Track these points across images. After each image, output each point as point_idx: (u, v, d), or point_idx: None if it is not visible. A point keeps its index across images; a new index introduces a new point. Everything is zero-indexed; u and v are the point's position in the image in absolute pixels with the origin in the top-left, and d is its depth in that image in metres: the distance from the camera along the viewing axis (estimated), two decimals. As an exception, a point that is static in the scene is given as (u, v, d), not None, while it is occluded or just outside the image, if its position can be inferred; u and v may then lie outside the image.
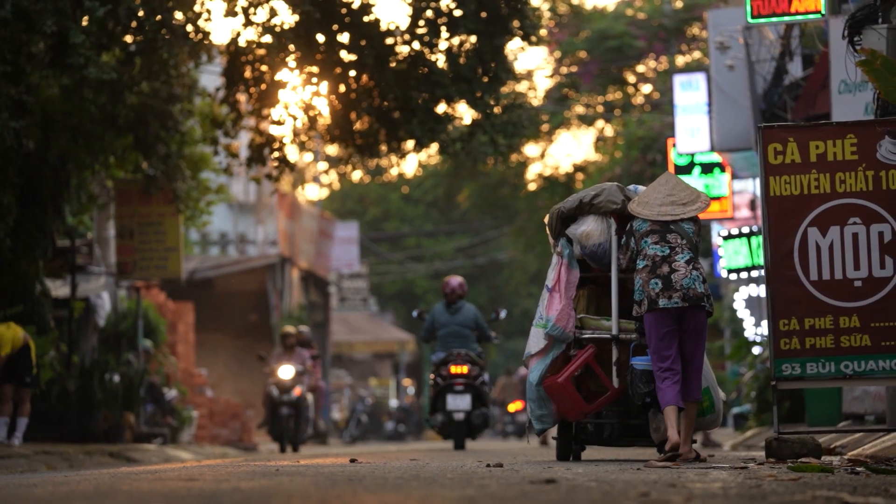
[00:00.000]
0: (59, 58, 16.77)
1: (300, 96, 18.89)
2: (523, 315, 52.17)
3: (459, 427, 18.36)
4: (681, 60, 37.93)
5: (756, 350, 22.45)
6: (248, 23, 18.06)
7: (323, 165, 49.00)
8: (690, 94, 26.50)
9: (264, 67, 18.46)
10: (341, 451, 24.19)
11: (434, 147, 19.92)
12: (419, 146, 19.38)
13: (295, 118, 18.93)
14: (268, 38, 18.06)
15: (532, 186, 41.78)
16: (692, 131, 26.32)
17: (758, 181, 16.92)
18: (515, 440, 35.24)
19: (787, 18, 17.02)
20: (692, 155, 26.75)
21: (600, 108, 40.04)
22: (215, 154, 20.29)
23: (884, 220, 10.66)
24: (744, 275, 22.67)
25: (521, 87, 37.38)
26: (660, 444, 10.86)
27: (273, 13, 17.96)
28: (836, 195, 10.74)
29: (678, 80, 27.11)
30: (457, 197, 47.83)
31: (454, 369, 18.33)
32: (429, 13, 18.38)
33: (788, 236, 10.76)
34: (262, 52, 18.33)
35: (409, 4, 18.43)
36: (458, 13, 18.21)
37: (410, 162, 55.15)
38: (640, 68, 39.61)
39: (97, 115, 18.58)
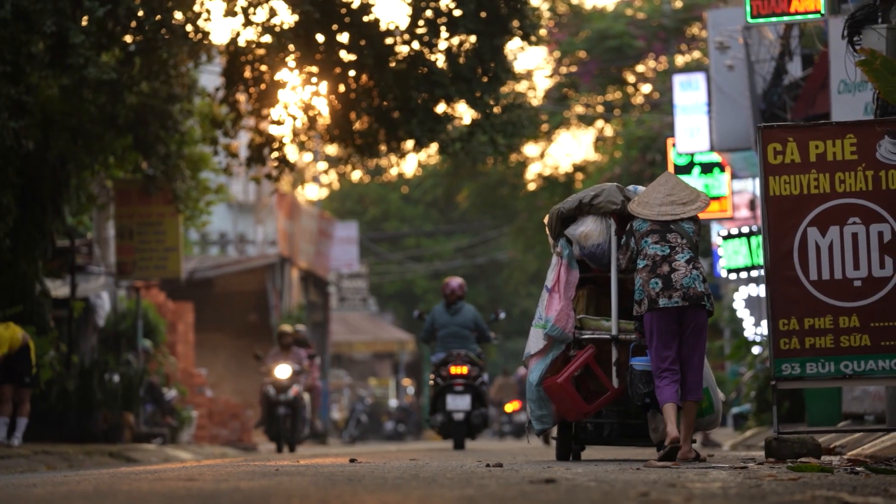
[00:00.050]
0: (58, 58, 16.76)
1: (300, 96, 18.89)
2: (523, 315, 52.17)
3: (459, 427, 18.42)
4: (680, 60, 37.94)
5: (756, 350, 22.45)
6: (248, 23, 18.06)
7: (322, 165, 49.02)
8: (690, 94, 26.50)
9: (264, 67, 18.46)
10: (341, 450, 24.19)
11: (433, 147, 19.93)
12: (419, 146, 19.38)
13: (294, 118, 18.93)
14: (267, 38, 18.06)
15: (532, 186, 41.79)
16: (692, 131, 26.32)
17: (757, 181, 16.94)
18: (513, 440, 35.24)
19: (786, 18, 17.02)
20: (692, 155, 26.76)
21: (600, 108, 40.05)
22: (215, 154, 20.29)
23: (883, 220, 10.66)
24: (743, 275, 22.67)
25: (521, 87, 37.39)
26: (659, 445, 10.86)
27: (273, 13, 17.96)
28: (836, 195, 10.74)
29: (678, 79, 27.11)
30: (456, 197, 47.84)
31: (454, 370, 18.39)
32: (428, 13, 18.38)
33: (788, 236, 10.76)
34: (261, 51, 18.33)
35: (409, 4, 18.43)
36: (457, 13, 18.21)
37: (410, 162, 55.21)
38: (640, 68, 39.61)
39: (97, 115, 18.58)
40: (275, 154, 19.24)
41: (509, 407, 38.29)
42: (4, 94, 16.29)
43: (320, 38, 18.26)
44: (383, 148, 19.58)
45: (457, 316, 18.69)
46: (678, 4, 38.99)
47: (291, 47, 18.05)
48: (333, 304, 44.84)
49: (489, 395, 22.50)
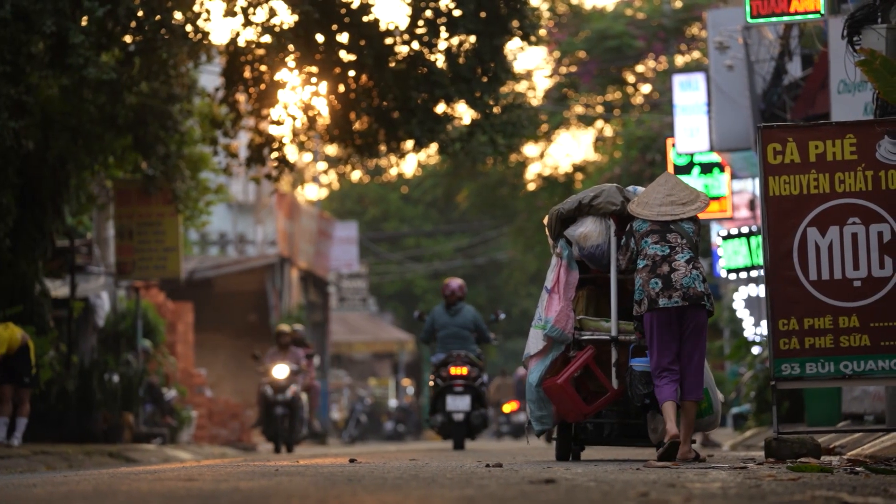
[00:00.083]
0: (58, 58, 16.76)
1: (299, 96, 18.89)
2: (522, 315, 52.17)
3: (459, 427, 18.45)
4: (680, 60, 37.95)
5: (755, 350, 22.45)
6: (248, 23, 18.06)
7: (322, 165, 49.01)
8: (690, 94, 26.49)
9: (263, 67, 18.46)
10: (340, 451, 24.18)
11: (433, 147, 19.93)
12: (418, 146, 19.39)
13: (294, 118, 18.93)
14: (267, 38, 18.06)
15: (531, 186, 41.79)
16: (691, 131, 26.32)
17: (757, 181, 16.94)
18: (511, 440, 35.23)
19: (786, 18, 17.02)
20: (691, 155, 26.75)
21: (599, 108, 40.05)
22: (214, 154, 20.29)
23: (883, 220, 10.66)
24: (743, 275, 22.67)
25: (521, 87, 37.39)
26: (658, 445, 10.87)
27: (272, 13, 17.96)
28: (836, 195, 10.74)
29: (677, 79, 27.10)
30: (456, 197, 47.84)
31: (454, 370, 18.43)
32: (428, 13, 18.38)
33: (788, 236, 10.76)
34: (261, 52, 18.33)
35: (409, 4, 18.43)
36: (457, 13, 18.21)
37: (410, 162, 55.20)
38: (640, 68, 39.62)
39: (96, 115, 18.58)
40: (274, 154, 19.24)
41: (507, 407, 38.30)
42: (4, 94, 16.29)
43: (320, 38, 18.26)
44: (383, 148, 19.57)
45: (457, 317, 18.73)
46: (678, 4, 38.99)
47: (291, 47, 18.05)
48: (333, 304, 44.83)
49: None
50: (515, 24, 18.46)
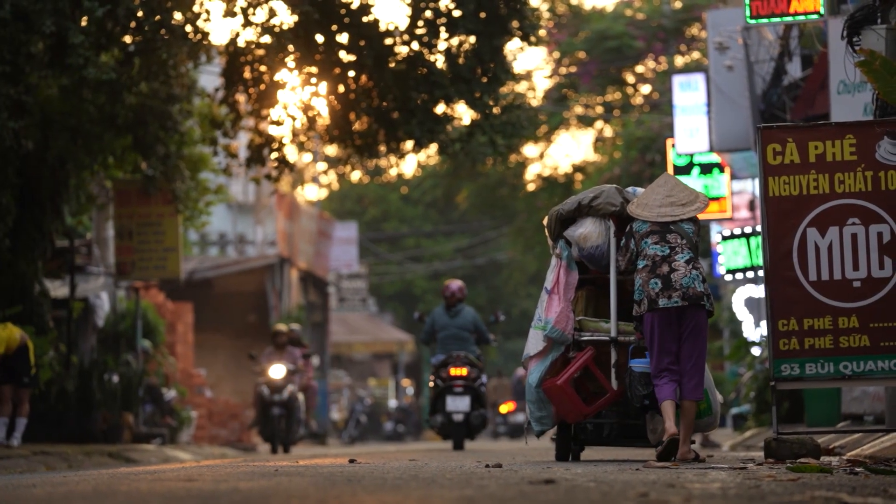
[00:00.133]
0: (58, 58, 16.76)
1: (299, 97, 18.89)
2: (522, 315, 52.18)
3: (458, 428, 18.49)
4: (680, 61, 37.96)
5: (755, 350, 22.45)
6: (247, 23, 18.06)
7: (322, 166, 49.01)
8: (689, 95, 26.50)
9: (263, 68, 18.46)
10: (340, 451, 24.18)
11: (433, 147, 19.94)
12: (418, 146, 19.39)
13: (294, 118, 18.93)
14: (267, 39, 18.06)
15: (531, 187, 41.79)
16: (691, 132, 26.32)
17: (757, 182, 16.93)
18: (508, 441, 35.23)
19: (786, 19, 17.02)
20: (691, 155, 26.75)
21: (599, 109, 40.06)
22: (214, 154, 20.29)
23: (883, 221, 10.66)
24: (743, 275, 22.67)
25: (521, 87, 37.41)
26: (657, 445, 10.87)
27: (272, 13, 17.96)
28: (835, 196, 10.74)
29: (677, 80, 27.11)
30: (456, 197, 47.85)
31: (454, 371, 18.48)
32: (428, 13, 18.37)
33: (787, 237, 10.76)
34: (261, 52, 18.33)
35: (408, 5, 18.43)
36: (457, 13, 18.21)
37: (409, 162, 55.19)
38: (639, 69, 39.63)
39: (96, 115, 18.58)
40: (274, 154, 19.24)
41: (504, 408, 38.32)
42: (4, 94, 16.29)
43: (320, 38, 18.26)
44: (383, 148, 19.58)
45: (456, 318, 18.79)
46: (678, 5, 39.00)
47: (291, 48, 18.05)
48: (333, 304, 44.83)
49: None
50: (515, 24, 18.46)
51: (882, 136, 10.71)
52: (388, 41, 18.41)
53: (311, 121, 19.01)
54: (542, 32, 20.16)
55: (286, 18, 18.02)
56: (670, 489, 6.57)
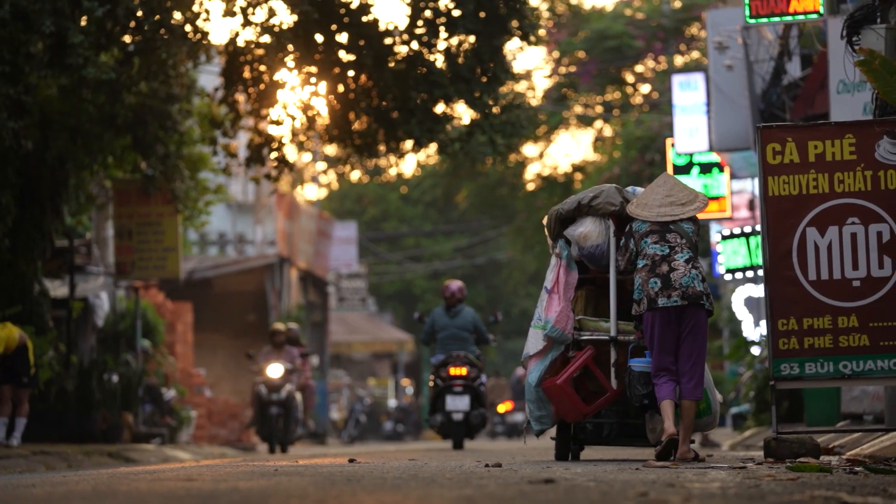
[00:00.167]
0: (57, 58, 16.76)
1: (299, 96, 18.89)
2: (522, 315, 52.18)
3: (458, 427, 18.53)
4: (679, 60, 37.95)
5: (754, 350, 22.45)
6: (247, 23, 18.05)
7: (321, 165, 49.00)
8: (689, 94, 26.50)
9: (263, 67, 18.45)
10: (340, 451, 24.17)
11: (433, 147, 19.94)
12: (418, 146, 19.39)
13: (293, 118, 18.92)
14: (266, 38, 18.05)
15: (531, 186, 41.79)
16: (691, 131, 26.32)
17: (756, 181, 16.93)
18: (505, 440, 35.24)
19: (785, 18, 17.02)
20: (691, 155, 26.76)
21: (599, 109, 40.05)
22: (214, 154, 20.28)
23: (882, 220, 10.66)
24: (742, 275, 22.67)
25: (520, 87, 37.40)
26: (656, 445, 10.87)
27: (272, 13, 17.95)
28: (835, 195, 10.74)
29: (677, 80, 27.11)
30: (455, 197, 47.85)
31: (453, 371, 18.53)
32: (427, 13, 18.37)
33: (787, 236, 10.76)
34: (260, 52, 18.33)
35: (408, 4, 18.43)
36: (456, 13, 18.21)
37: (409, 162, 55.18)
38: (639, 68, 39.63)
39: (96, 115, 18.58)
40: (274, 154, 19.24)
41: (501, 408, 38.33)
42: (3, 94, 16.28)
43: (319, 38, 18.26)
44: (382, 148, 19.57)
45: (456, 318, 18.84)
46: (677, 4, 39.00)
47: (290, 47, 18.04)
48: (332, 304, 44.82)
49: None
50: (515, 24, 18.46)
51: (881, 136, 10.71)
52: (388, 41, 18.41)
53: (311, 120, 19.01)
54: (541, 32, 20.16)
55: (286, 18, 18.02)
56: (670, 489, 6.57)
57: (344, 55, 18.45)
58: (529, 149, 40.94)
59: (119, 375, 21.36)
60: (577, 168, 40.35)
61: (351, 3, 18.20)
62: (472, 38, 18.49)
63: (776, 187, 10.82)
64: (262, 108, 18.86)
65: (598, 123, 40.08)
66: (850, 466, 8.98)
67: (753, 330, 24.10)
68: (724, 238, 22.88)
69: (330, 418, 39.17)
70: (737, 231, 22.80)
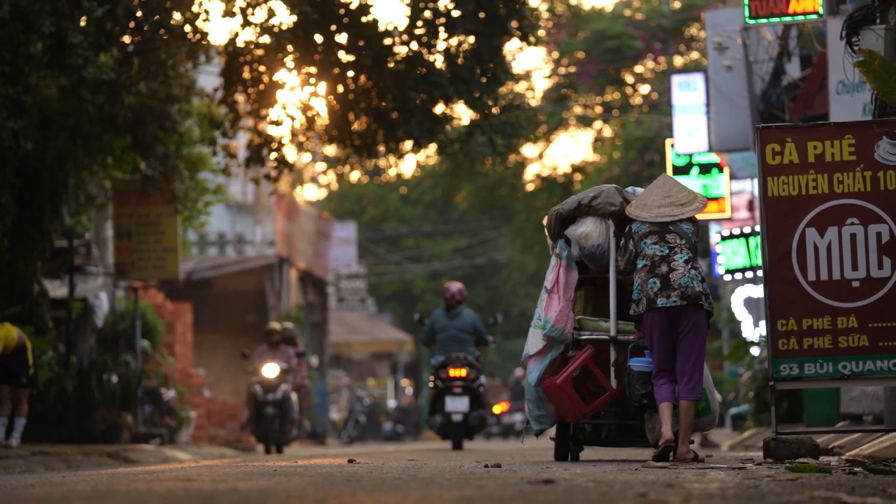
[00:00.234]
0: (57, 58, 16.76)
1: (298, 97, 18.89)
2: (521, 315, 52.18)
3: (458, 428, 18.56)
4: (679, 61, 37.95)
5: (754, 350, 22.46)
6: (247, 23, 18.05)
7: (321, 166, 49.00)
8: (688, 95, 26.50)
9: (262, 68, 18.45)
10: (339, 451, 24.17)
11: (432, 147, 19.94)
12: (417, 146, 19.39)
13: (293, 118, 18.92)
14: (266, 39, 18.05)
15: (530, 187, 41.79)
16: (690, 132, 26.32)
17: (756, 182, 16.93)
18: (500, 441, 35.24)
19: (785, 19, 17.02)
20: (690, 155, 26.75)
21: (598, 109, 40.06)
22: (213, 154, 20.28)
23: (882, 221, 10.66)
24: (742, 275, 22.68)
25: (520, 87, 37.40)
26: (656, 445, 10.88)
27: (271, 14, 17.95)
28: (834, 196, 10.74)
29: (676, 80, 27.11)
30: (455, 197, 47.84)
31: (453, 372, 18.57)
32: (427, 14, 18.37)
33: (786, 237, 10.77)
34: (260, 52, 18.33)
35: (408, 5, 18.43)
36: (456, 14, 18.21)
37: (409, 162, 55.18)
38: (639, 69, 39.62)
39: (95, 115, 18.58)
40: (273, 154, 19.24)
41: (497, 408, 38.35)
42: (3, 94, 16.29)
43: (319, 38, 18.26)
44: (382, 148, 19.57)
45: (456, 320, 18.89)
46: (676, 5, 39.00)
47: (290, 48, 18.04)
48: (332, 304, 44.82)
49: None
50: (514, 24, 18.46)
51: (881, 136, 10.71)
52: (388, 41, 18.41)
53: (311, 121, 19.01)
54: (541, 32, 20.15)
55: (285, 18, 18.02)
56: (669, 489, 6.58)
57: (343, 55, 18.45)
58: (529, 149, 40.93)
59: (118, 376, 21.36)
60: (576, 168, 40.35)
61: (350, 3, 18.20)
62: (471, 39, 18.50)
63: (775, 188, 10.82)
64: (261, 108, 18.86)
65: (598, 124, 40.08)
66: (849, 467, 8.98)
67: (753, 330, 24.10)
68: (724, 238, 22.88)
69: (329, 419, 39.17)
70: (736, 232, 22.81)
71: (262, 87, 18.64)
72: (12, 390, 16.85)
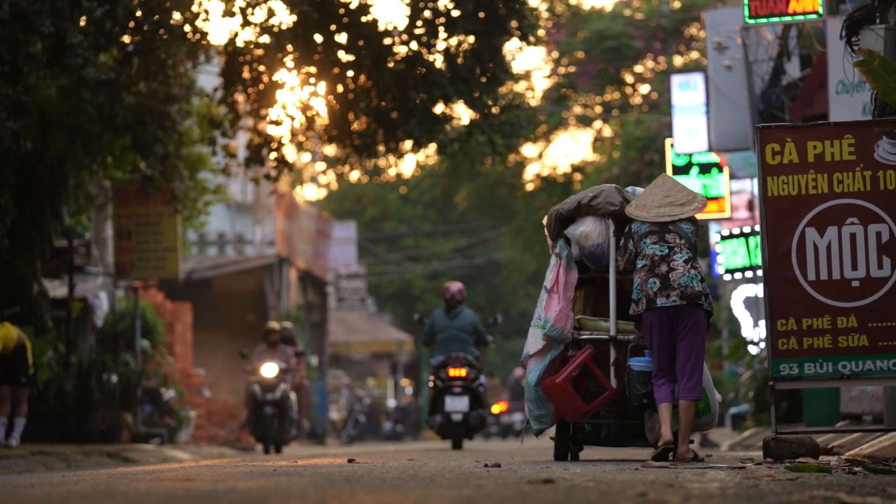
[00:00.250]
0: (56, 58, 16.76)
1: (298, 96, 18.89)
2: (521, 315, 52.17)
3: (457, 428, 18.58)
4: (679, 61, 37.95)
5: (754, 350, 22.46)
6: (246, 23, 18.05)
7: (321, 166, 49.00)
8: (688, 95, 26.49)
9: (262, 68, 18.45)
10: (339, 451, 24.16)
11: (432, 147, 19.94)
12: (417, 146, 19.39)
13: (293, 118, 18.92)
14: (266, 39, 18.05)
15: (530, 187, 41.78)
16: (690, 131, 26.32)
17: (755, 181, 16.93)
18: (499, 441, 35.24)
19: (784, 19, 17.01)
20: (690, 155, 26.75)
21: (598, 109, 40.06)
22: (213, 154, 20.28)
23: (881, 221, 10.66)
24: (741, 275, 22.68)
25: (519, 87, 37.40)
26: (655, 444, 10.88)
27: (271, 13, 17.95)
28: (834, 195, 10.74)
29: (676, 80, 27.11)
30: (455, 197, 47.83)
31: (453, 372, 18.59)
32: (427, 13, 18.37)
33: (786, 236, 10.77)
34: (259, 52, 18.33)
35: (407, 5, 18.43)
36: (456, 13, 18.21)
37: (408, 162, 55.18)
38: (638, 68, 39.62)
39: (95, 115, 18.58)
40: (273, 154, 19.24)
41: (496, 408, 38.37)
42: (2, 94, 16.29)
43: (318, 38, 18.26)
44: (381, 148, 19.58)
45: (456, 320, 18.92)
46: (676, 5, 39.00)
47: (290, 48, 18.04)
48: (331, 304, 44.82)
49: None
50: (514, 24, 18.46)
51: (881, 136, 10.71)
52: (387, 41, 18.41)
53: (310, 121, 19.01)
54: (540, 32, 20.16)
55: (285, 18, 18.02)
56: (669, 489, 6.58)
57: (343, 55, 18.45)
58: (529, 149, 40.93)
59: (118, 376, 21.35)
60: (576, 168, 40.35)
61: (350, 3, 18.20)
62: (471, 39, 18.50)
63: (775, 187, 10.82)
64: (261, 108, 18.86)
65: (598, 124, 40.08)
66: (849, 466, 8.98)
67: (752, 330, 24.11)
68: (724, 238, 22.88)
69: (329, 418, 39.17)
70: (736, 231, 22.81)
71: (261, 86, 18.64)
72: (12, 390, 16.85)
